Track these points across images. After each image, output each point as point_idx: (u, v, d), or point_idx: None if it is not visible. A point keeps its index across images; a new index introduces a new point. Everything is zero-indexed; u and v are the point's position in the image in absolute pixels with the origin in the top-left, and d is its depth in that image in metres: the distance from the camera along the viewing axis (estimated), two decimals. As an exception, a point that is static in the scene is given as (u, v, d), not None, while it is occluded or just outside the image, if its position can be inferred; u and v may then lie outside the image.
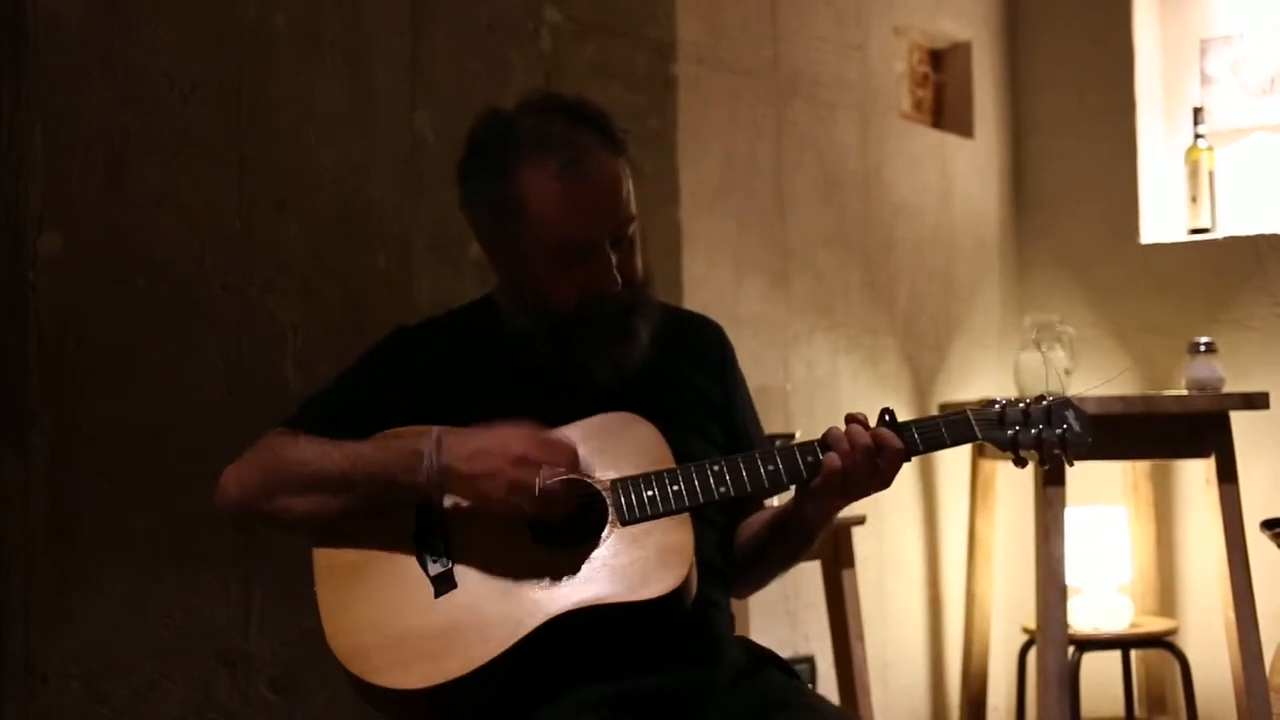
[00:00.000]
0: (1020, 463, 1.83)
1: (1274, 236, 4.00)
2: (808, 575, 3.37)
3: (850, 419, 1.78)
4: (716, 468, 1.75)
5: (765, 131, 3.54)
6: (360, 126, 2.60)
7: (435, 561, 1.73)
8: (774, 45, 3.58)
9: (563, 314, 1.84)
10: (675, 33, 3.23)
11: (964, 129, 4.31)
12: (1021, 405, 1.83)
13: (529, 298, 1.86)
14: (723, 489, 1.75)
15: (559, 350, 1.86)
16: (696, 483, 1.74)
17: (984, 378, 4.24)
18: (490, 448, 1.70)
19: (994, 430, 1.81)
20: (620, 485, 1.74)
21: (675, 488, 1.73)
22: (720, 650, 1.85)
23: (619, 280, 1.82)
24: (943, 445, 1.81)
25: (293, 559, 1.83)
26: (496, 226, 1.85)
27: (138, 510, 2.25)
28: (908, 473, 3.92)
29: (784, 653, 3.40)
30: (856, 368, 3.77)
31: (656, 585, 1.69)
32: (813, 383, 3.61)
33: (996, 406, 1.83)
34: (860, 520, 3.24)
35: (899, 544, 3.92)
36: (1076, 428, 1.83)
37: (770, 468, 1.76)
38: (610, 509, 1.73)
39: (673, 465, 1.77)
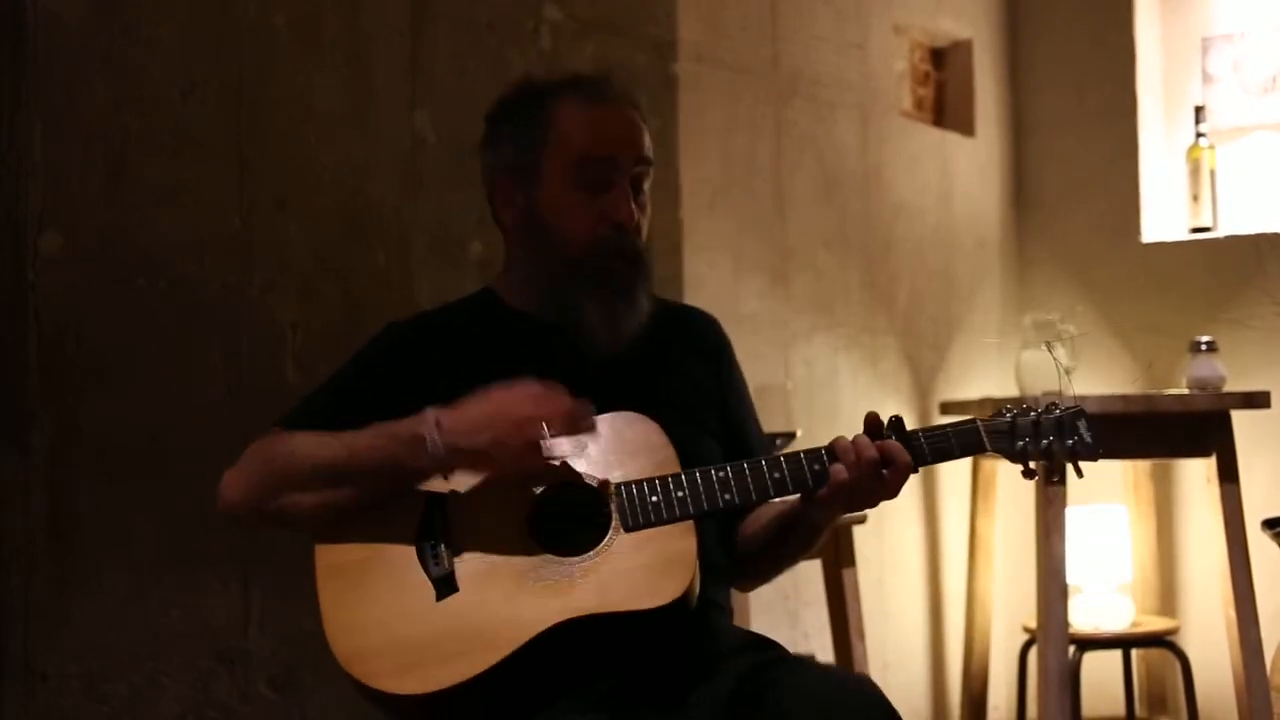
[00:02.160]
0: (1029, 474, 1.81)
1: (1275, 235, 3.99)
2: (808, 574, 3.37)
3: (867, 425, 1.78)
4: (722, 474, 1.74)
5: (765, 131, 3.54)
6: (360, 126, 2.60)
7: (436, 564, 1.72)
8: (774, 44, 3.58)
9: (572, 255, 1.86)
10: (675, 32, 3.23)
11: (965, 128, 4.31)
12: (1032, 415, 1.80)
13: (541, 238, 1.89)
14: (728, 496, 1.74)
15: (560, 307, 1.87)
16: (702, 489, 1.73)
17: (984, 377, 4.24)
18: (490, 417, 1.69)
19: (1003, 441, 1.79)
20: (624, 489, 1.73)
21: (680, 494, 1.73)
22: (717, 621, 1.86)
23: (635, 214, 1.86)
24: (951, 456, 1.80)
25: (292, 558, 1.83)
26: (519, 156, 1.90)
27: (137, 509, 2.26)
28: (908, 472, 3.92)
29: (784, 652, 3.43)
30: (856, 367, 3.77)
31: (659, 595, 1.69)
32: (813, 382, 3.61)
33: (1006, 416, 1.81)
34: (861, 519, 3.24)
35: (900, 543, 3.91)
36: (1088, 438, 1.80)
37: (776, 475, 1.75)
38: (614, 513, 1.73)
39: (678, 468, 1.76)
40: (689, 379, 1.98)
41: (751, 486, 1.75)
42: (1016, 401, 1.85)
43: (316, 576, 1.74)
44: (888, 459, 1.75)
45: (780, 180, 3.57)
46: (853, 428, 3.94)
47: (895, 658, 3.86)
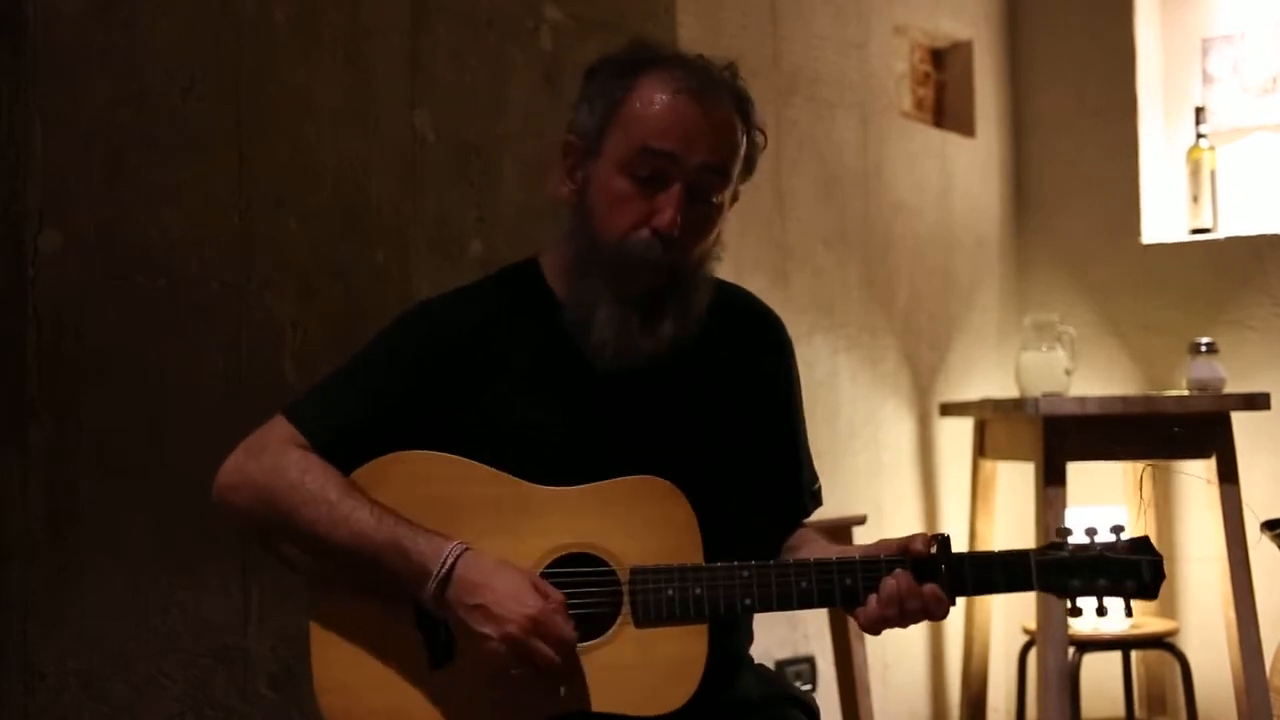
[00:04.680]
0: (1075, 613, 1.68)
1: (1275, 236, 4.00)
2: (807, 574, 3.36)
3: (912, 555, 1.66)
4: (745, 574, 1.64)
5: (765, 130, 3.53)
6: (360, 123, 2.59)
7: (434, 629, 1.66)
8: (774, 44, 3.58)
9: (602, 250, 1.71)
10: (675, 31, 3.23)
11: (965, 128, 4.30)
12: (1095, 550, 1.66)
13: (583, 219, 1.73)
14: (748, 601, 1.64)
15: (576, 304, 1.74)
16: (721, 590, 1.64)
17: (983, 377, 4.24)
18: (491, 609, 1.58)
19: (1054, 579, 1.66)
20: (639, 577, 1.64)
21: (697, 591, 1.63)
22: (736, 677, 1.80)
23: (679, 226, 1.68)
24: (995, 591, 1.69)
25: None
26: (592, 120, 1.73)
27: (136, 506, 2.25)
28: (909, 472, 3.93)
29: (784, 652, 3.43)
30: (856, 367, 3.77)
31: (662, 703, 1.63)
32: (813, 383, 3.60)
33: (1065, 551, 1.66)
34: (861, 520, 3.23)
35: (899, 544, 3.90)
36: (1147, 580, 1.66)
37: (803, 585, 1.65)
38: (625, 601, 1.64)
39: (699, 551, 1.66)
40: (736, 391, 1.83)
41: (774, 594, 1.64)
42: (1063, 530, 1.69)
43: (310, 623, 1.69)
44: (926, 609, 1.65)
45: (780, 179, 3.57)
46: (852, 429, 3.94)
47: (895, 659, 3.86)
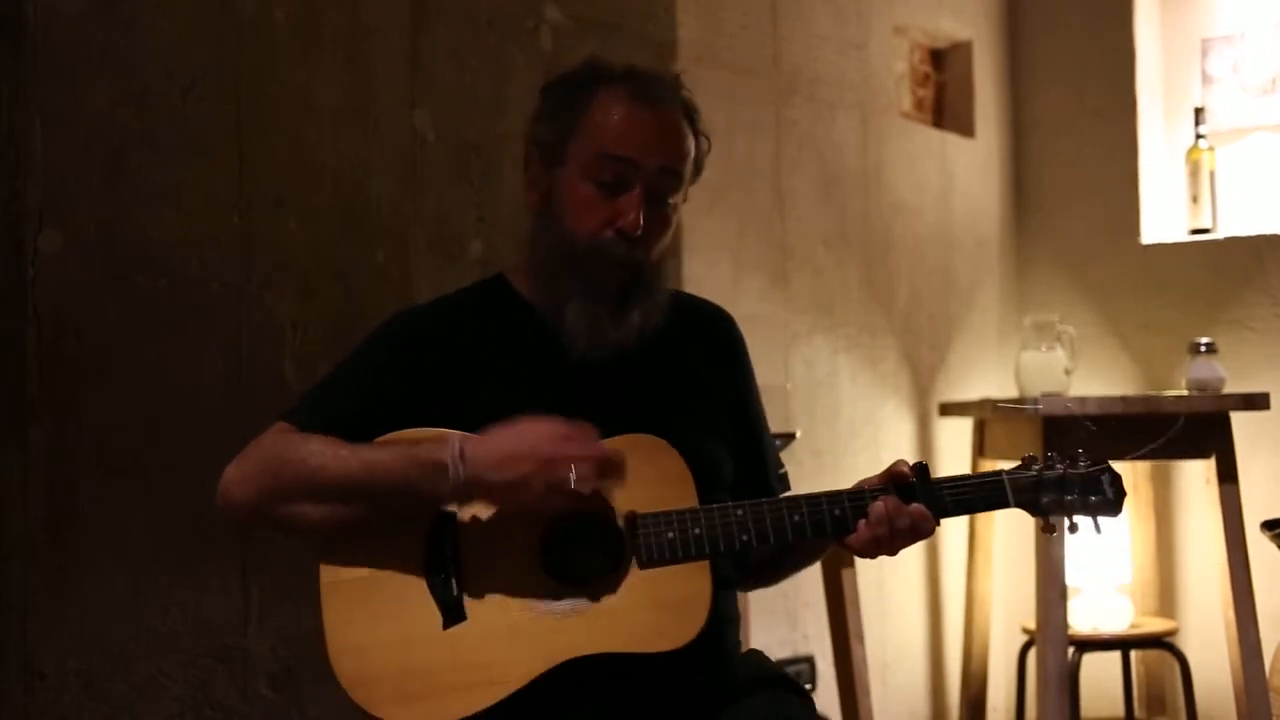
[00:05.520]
0: (1049, 529, 1.82)
1: (1274, 237, 3.99)
2: (807, 574, 3.32)
3: (895, 479, 1.77)
4: (740, 513, 1.73)
5: (765, 130, 3.54)
6: (360, 123, 2.59)
7: (445, 588, 1.70)
8: (774, 44, 3.58)
9: (571, 251, 1.82)
10: (675, 31, 3.23)
11: (965, 128, 4.30)
12: (1059, 469, 1.81)
13: (550, 224, 1.85)
14: (745, 537, 1.73)
15: (548, 300, 1.84)
16: (720, 529, 1.72)
17: (983, 377, 4.24)
18: (518, 452, 1.65)
19: (1027, 496, 1.80)
20: (641, 522, 1.71)
21: (696, 531, 1.71)
22: (729, 666, 1.84)
23: (640, 224, 1.80)
24: (974, 510, 1.83)
25: (292, 556, 1.83)
26: (553, 134, 1.86)
27: (136, 506, 2.25)
28: (907, 472, 3.92)
29: (783, 652, 3.43)
30: (856, 367, 3.77)
31: (671, 639, 1.69)
32: (813, 382, 3.61)
33: (1033, 470, 1.81)
34: (860, 519, 3.23)
35: (899, 543, 3.90)
36: (1110, 495, 1.81)
37: (795, 518, 1.74)
38: (628, 546, 1.71)
39: (695, 499, 1.75)
40: (702, 382, 1.94)
41: (770, 528, 1.73)
42: (1040, 451, 1.85)
43: (321, 593, 1.72)
44: (914, 526, 1.75)
45: (780, 180, 3.57)
46: (852, 429, 3.95)
47: (895, 658, 3.86)
